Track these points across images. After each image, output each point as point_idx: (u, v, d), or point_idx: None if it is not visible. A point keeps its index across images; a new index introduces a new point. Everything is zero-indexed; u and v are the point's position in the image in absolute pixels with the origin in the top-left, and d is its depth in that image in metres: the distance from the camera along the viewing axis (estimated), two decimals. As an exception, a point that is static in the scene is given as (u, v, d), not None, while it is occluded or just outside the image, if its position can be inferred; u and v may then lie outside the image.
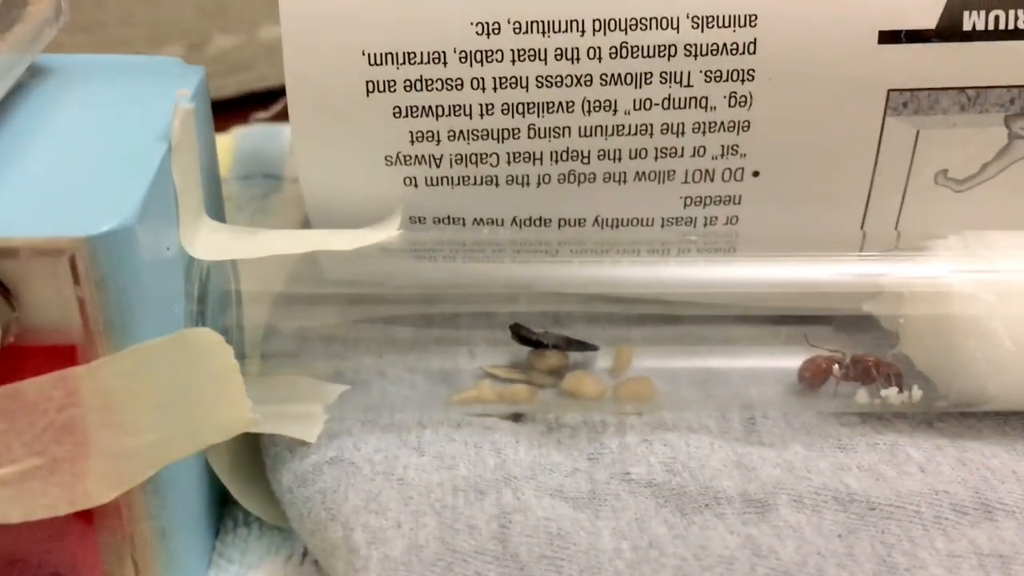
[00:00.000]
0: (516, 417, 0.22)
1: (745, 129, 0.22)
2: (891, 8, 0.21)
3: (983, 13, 0.21)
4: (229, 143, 0.34)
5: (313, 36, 0.21)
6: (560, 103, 0.21)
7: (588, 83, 0.21)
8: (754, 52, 0.21)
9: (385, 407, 0.22)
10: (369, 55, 0.21)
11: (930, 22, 0.21)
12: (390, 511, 0.18)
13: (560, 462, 0.20)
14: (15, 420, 0.16)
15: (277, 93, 0.41)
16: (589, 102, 0.21)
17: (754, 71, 0.21)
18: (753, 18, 0.21)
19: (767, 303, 0.23)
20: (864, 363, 0.22)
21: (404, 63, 0.21)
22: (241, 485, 0.22)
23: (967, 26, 0.21)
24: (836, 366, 0.22)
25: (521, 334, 0.23)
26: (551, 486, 0.19)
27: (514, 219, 0.23)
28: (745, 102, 0.21)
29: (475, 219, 0.23)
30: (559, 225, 0.23)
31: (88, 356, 0.16)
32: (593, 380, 0.22)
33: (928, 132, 0.22)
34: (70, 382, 0.16)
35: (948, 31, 0.21)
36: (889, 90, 0.21)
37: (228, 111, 0.36)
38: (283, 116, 0.37)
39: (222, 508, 0.22)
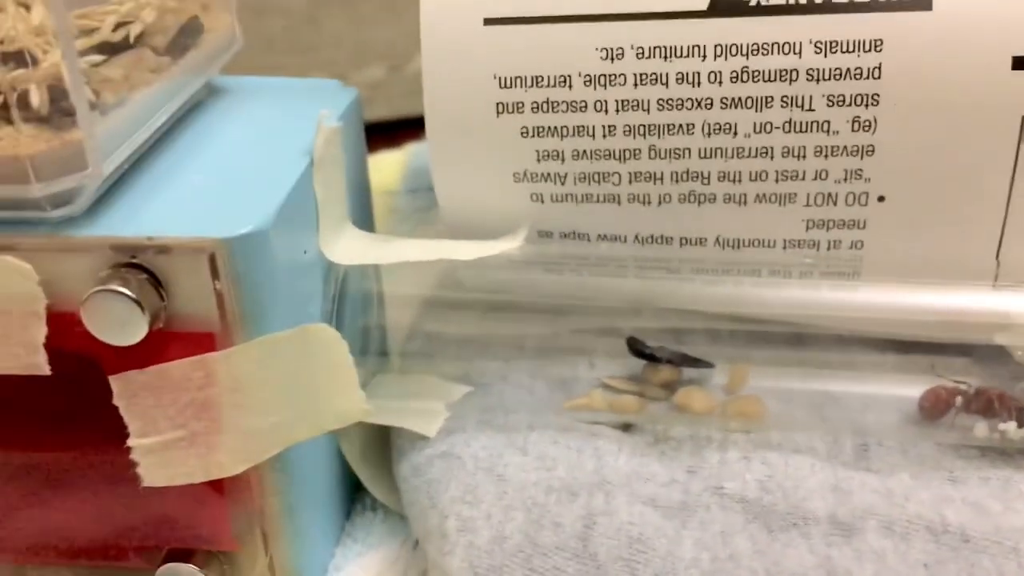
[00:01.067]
0: (626, 427, 0.23)
1: (869, 154, 0.22)
2: (1027, 33, 0.20)
3: None
4: (402, 158, 0.37)
5: (449, 61, 0.22)
6: (681, 125, 0.22)
7: (709, 106, 0.22)
8: (879, 77, 0.21)
9: (501, 409, 0.23)
10: (500, 78, 0.22)
11: (1070, 47, 0.20)
12: (483, 503, 0.19)
13: (658, 472, 0.21)
14: (161, 396, 0.18)
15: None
16: (709, 125, 0.22)
17: (879, 96, 0.21)
18: (879, 43, 0.21)
19: (892, 329, 0.23)
20: (987, 395, 0.21)
21: (532, 86, 0.22)
22: (370, 473, 0.23)
23: (1112, 51, 0.20)
24: (959, 397, 0.22)
25: (637, 347, 0.23)
26: (644, 494, 0.20)
27: (636, 236, 0.24)
28: (869, 127, 0.21)
29: (599, 235, 0.24)
30: (680, 244, 0.24)
31: (224, 344, 0.18)
32: (704, 395, 0.23)
33: (1067, 160, 0.21)
34: (208, 365, 0.18)
35: (1090, 56, 0.20)
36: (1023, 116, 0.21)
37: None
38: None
39: (355, 493, 0.24)
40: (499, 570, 0.18)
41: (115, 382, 0.18)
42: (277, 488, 0.20)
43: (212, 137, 0.22)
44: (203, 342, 0.18)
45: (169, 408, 0.18)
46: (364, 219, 0.25)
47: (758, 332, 0.24)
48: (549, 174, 0.23)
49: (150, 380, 0.18)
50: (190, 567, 0.20)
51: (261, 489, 0.20)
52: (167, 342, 0.18)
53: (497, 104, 0.22)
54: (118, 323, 0.17)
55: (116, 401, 0.18)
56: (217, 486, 0.19)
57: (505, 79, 0.22)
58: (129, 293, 0.17)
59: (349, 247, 0.22)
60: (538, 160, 0.23)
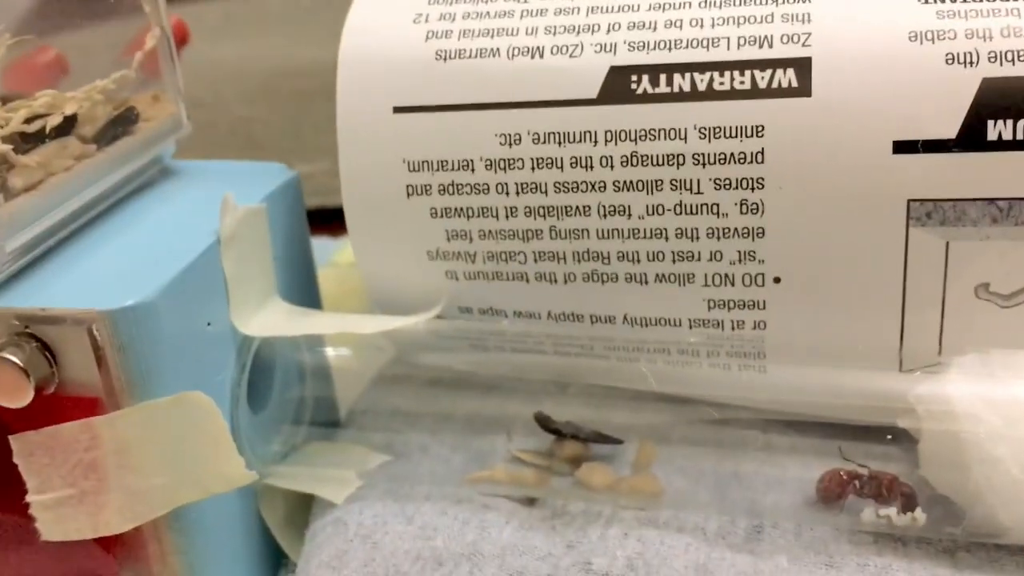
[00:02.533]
0: (531, 501, 0.23)
1: (760, 236, 0.22)
2: (907, 118, 0.21)
3: (1010, 123, 0.20)
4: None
5: (363, 145, 0.24)
6: (578, 207, 0.23)
7: (603, 189, 0.22)
8: (762, 161, 0.21)
9: (409, 479, 0.24)
10: (408, 162, 0.23)
11: (950, 132, 0.20)
12: (347, 568, 0.20)
13: (538, 546, 0.21)
14: (54, 456, 0.20)
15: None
16: (604, 207, 0.23)
17: (763, 179, 0.21)
18: (760, 129, 0.21)
19: (799, 410, 0.23)
20: (879, 480, 0.21)
21: (438, 169, 0.23)
22: (292, 538, 0.24)
23: (992, 135, 0.20)
24: (856, 481, 0.21)
25: (544, 422, 0.24)
26: (514, 567, 0.20)
27: (549, 313, 0.24)
28: (757, 209, 0.22)
29: (514, 311, 0.25)
30: (591, 321, 0.24)
31: (109, 408, 0.20)
32: (604, 472, 0.23)
33: (958, 244, 0.21)
34: (93, 428, 0.20)
35: (970, 141, 0.20)
36: (909, 200, 0.21)
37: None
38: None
39: (282, 557, 0.25)
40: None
41: (14, 441, 0.20)
42: (177, 548, 0.21)
43: (140, 217, 0.23)
44: (89, 407, 0.20)
45: (61, 467, 0.20)
46: (306, 294, 0.26)
47: (672, 409, 0.24)
48: (460, 252, 0.24)
49: (43, 440, 0.20)
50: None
51: (159, 548, 0.21)
52: (58, 406, 0.20)
53: (407, 186, 0.24)
54: (9, 387, 0.19)
55: (15, 459, 0.20)
56: (108, 543, 0.21)
57: (413, 163, 0.23)
58: (16, 360, 0.19)
59: (265, 320, 0.23)
60: (448, 239, 0.24)
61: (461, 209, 0.23)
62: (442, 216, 0.24)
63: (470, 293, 0.25)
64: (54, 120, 0.21)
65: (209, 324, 0.22)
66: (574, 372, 0.24)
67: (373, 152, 0.24)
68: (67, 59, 0.24)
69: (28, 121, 0.21)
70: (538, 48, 0.23)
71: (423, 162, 0.23)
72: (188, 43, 0.34)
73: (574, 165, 0.22)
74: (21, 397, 0.19)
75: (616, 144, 0.22)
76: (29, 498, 0.20)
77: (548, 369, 0.25)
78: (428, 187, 0.23)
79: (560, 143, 0.22)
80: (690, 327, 0.23)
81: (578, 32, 0.23)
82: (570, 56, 0.22)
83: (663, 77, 0.22)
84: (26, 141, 0.21)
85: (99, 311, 0.19)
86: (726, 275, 0.23)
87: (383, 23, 0.24)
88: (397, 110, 0.23)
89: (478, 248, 0.24)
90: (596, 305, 0.24)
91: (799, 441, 0.23)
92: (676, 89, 0.22)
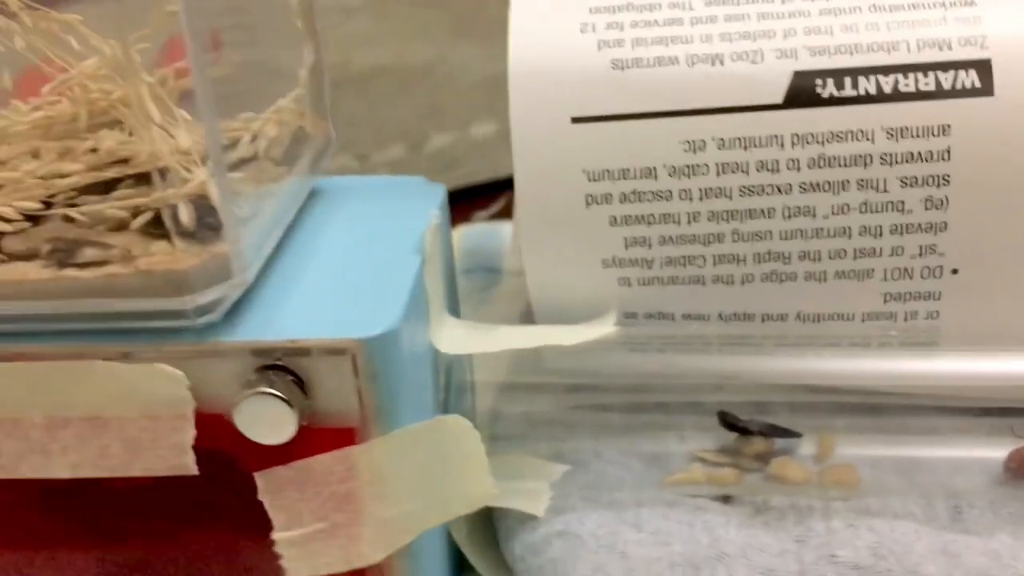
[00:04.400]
0: (725, 499, 0.24)
1: (942, 230, 0.23)
2: (1086, 112, 0.22)
3: None
4: (455, 240, 0.38)
5: (540, 157, 0.24)
6: (762, 210, 0.23)
7: (788, 191, 0.23)
8: (948, 159, 0.22)
9: (603, 486, 0.24)
10: (588, 172, 0.23)
11: None
12: (616, 580, 0.20)
13: (769, 543, 0.21)
14: (305, 490, 0.19)
15: (486, 187, 0.45)
16: (789, 208, 0.23)
17: (949, 176, 0.22)
18: (946, 128, 0.22)
19: (969, 395, 0.24)
20: (1067, 453, 0.22)
21: (619, 178, 0.23)
22: (477, 552, 0.24)
23: None
24: (1043, 456, 0.23)
25: (728, 421, 0.24)
26: (762, 565, 0.21)
27: (720, 314, 0.25)
28: (941, 205, 0.23)
29: (683, 315, 0.25)
30: (762, 320, 0.25)
31: (364, 437, 0.19)
32: (798, 466, 0.24)
33: None
34: (350, 459, 0.19)
35: None
36: (1087, 189, 0.22)
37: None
38: (501, 214, 0.41)
39: (461, 573, 0.25)
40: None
41: (260, 478, 0.19)
42: (405, 573, 0.21)
43: (322, 238, 0.23)
44: (344, 437, 0.19)
45: (312, 502, 0.19)
46: (454, 308, 0.26)
47: (839, 402, 0.25)
48: (637, 259, 0.24)
49: (294, 475, 0.19)
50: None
51: (396, 570, 0.21)
52: (310, 438, 0.19)
53: (586, 196, 0.24)
54: (270, 424, 0.18)
55: (261, 496, 0.19)
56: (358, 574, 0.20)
57: (593, 172, 0.23)
58: (281, 395, 0.18)
59: (453, 337, 0.23)
60: (626, 247, 0.24)
61: (642, 216, 0.24)
62: (621, 224, 0.24)
63: (640, 299, 0.25)
64: (263, 143, 0.21)
65: (421, 346, 0.21)
66: (741, 370, 0.25)
67: (551, 163, 0.24)
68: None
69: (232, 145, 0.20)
70: (717, 55, 0.23)
71: (603, 171, 0.23)
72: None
73: (760, 169, 0.23)
74: (285, 433, 0.18)
75: (803, 147, 0.23)
76: (275, 535, 0.20)
77: (712, 369, 0.25)
78: (608, 196, 0.24)
79: (746, 147, 0.23)
80: (863, 320, 0.24)
81: (755, 38, 0.23)
82: (751, 62, 0.23)
83: (848, 80, 0.23)
84: (235, 167, 0.20)
85: (355, 340, 0.19)
86: (905, 269, 0.24)
87: (551, 34, 0.24)
88: (575, 120, 0.23)
89: (656, 254, 0.24)
90: (770, 304, 0.24)
91: (968, 423, 0.24)
92: (862, 92, 0.23)
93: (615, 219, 0.24)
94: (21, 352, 0.19)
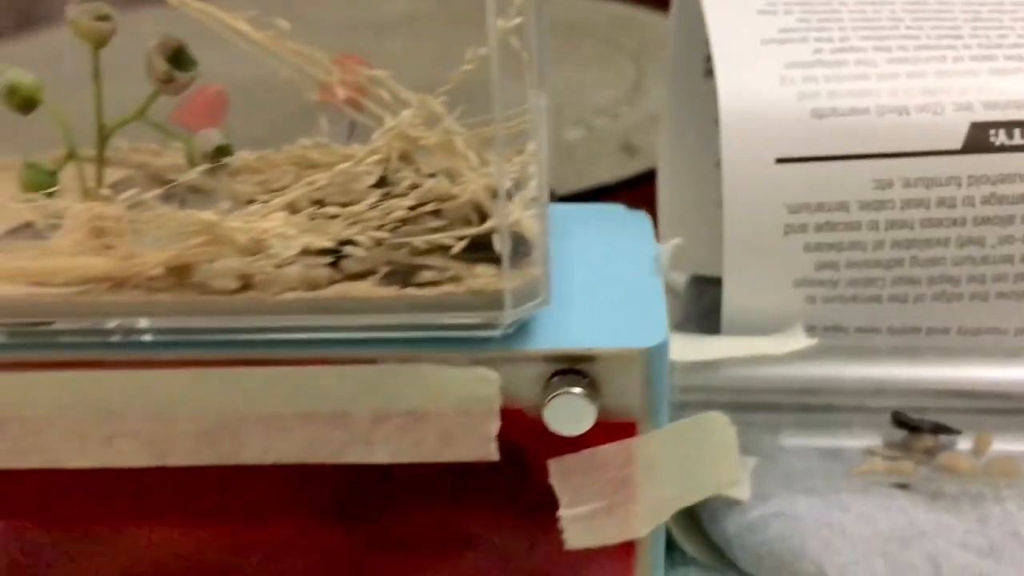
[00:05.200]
0: (901, 487, 0.28)
1: (1091, 259, 0.27)
2: None
3: None
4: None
5: (747, 192, 0.27)
6: (939, 239, 0.27)
7: (963, 224, 0.27)
8: (1102, 198, 0.26)
9: (795, 477, 0.28)
10: (788, 205, 0.27)
11: None
12: (845, 552, 0.24)
13: (954, 524, 0.25)
14: (589, 475, 0.23)
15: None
16: (962, 239, 0.27)
17: (1102, 213, 0.26)
18: (1103, 172, 0.26)
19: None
20: None
21: (816, 211, 0.27)
22: (681, 530, 0.28)
23: None
24: None
25: (901, 419, 0.28)
26: (957, 540, 0.25)
27: (888, 328, 0.29)
28: (1093, 237, 0.27)
29: (857, 328, 0.29)
30: (927, 333, 0.29)
31: (642, 430, 0.23)
32: (964, 458, 0.27)
33: None
34: (630, 449, 0.23)
35: None
36: None
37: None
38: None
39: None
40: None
41: (553, 464, 0.23)
42: (651, 544, 0.25)
43: (569, 260, 0.26)
44: (625, 430, 0.23)
45: (595, 484, 0.23)
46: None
47: (987, 407, 0.29)
48: (824, 280, 0.28)
49: (582, 462, 0.23)
50: (584, 616, 0.24)
51: (641, 546, 0.24)
52: (594, 431, 0.23)
53: (785, 225, 0.27)
54: (574, 418, 0.22)
55: (551, 480, 0.23)
56: (626, 546, 0.24)
57: (793, 205, 0.27)
58: (586, 395, 0.22)
59: (677, 346, 0.27)
60: (816, 269, 0.28)
61: (833, 244, 0.28)
62: (815, 250, 0.28)
63: (822, 314, 0.29)
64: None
65: (664, 353, 0.25)
66: (902, 377, 0.29)
67: (756, 197, 0.27)
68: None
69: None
70: (904, 107, 0.27)
71: (802, 204, 0.27)
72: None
73: (939, 204, 0.27)
74: (584, 426, 0.22)
75: (977, 187, 0.27)
76: (561, 512, 0.23)
77: (877, 376, 0.29)
78: (805, 225, 0.27)
79: (927, 186, 0.27)
80: (1015, 335, 0.28)
81: (934, 94, 0.27)
82: (933, 114, 0.27)
83: (1017, 131, 0.27)
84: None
85: (640, 349, 0.22)
86: (1057, 291, 0.28)
87: (754, 86, 0.28)
88: (779, 161, 0.27)
89: (842, 276, 0.28)
90: (935, 320, 0.28)
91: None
92: (1029, 141, 0.26)
93: (809, 245, 0.28)
94: (352, 356, 0.22)
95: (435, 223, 0.23)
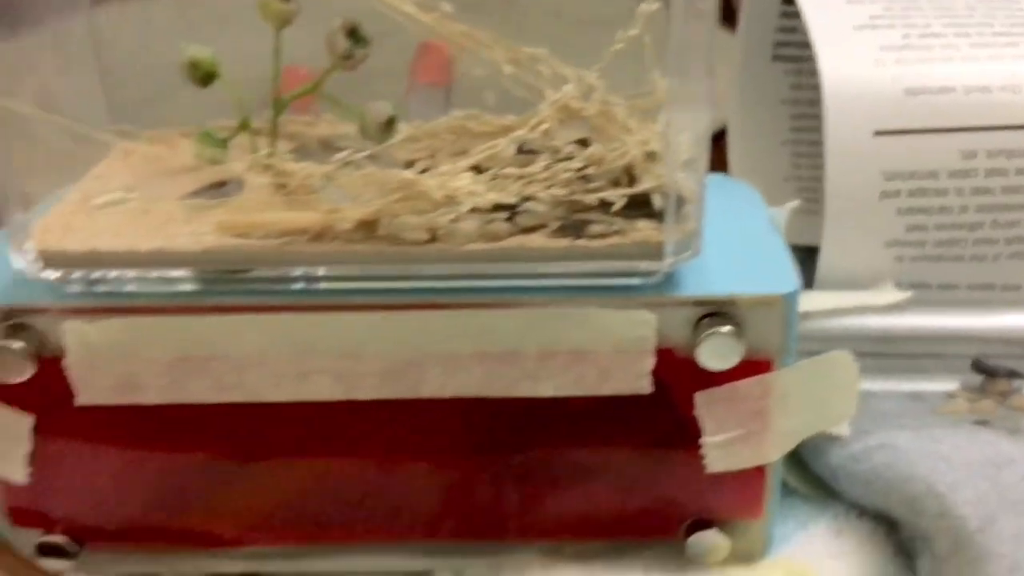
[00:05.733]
0: (981, 424, 0.31)
1: None
2: None
3: None
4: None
5: (848, 160, 0.31)
6: (1017, 204, 0.31)
7: (1039, 190, 0.30)
8: None
9: (888, 416, 0.31)
10: (884, 173, 0.31)
11: None
12: (949, 473, 0.27)
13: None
14: (731, 406, 0.26)
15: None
16: (1038, 203, 0.31)
17: None
18: None
19: None
20: None
21: (908, 179, 0.31)
22: (785, 465, 0.31)
23: None
24: None
25: (980, 365, 0.32)
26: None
27: (967, 284, 0.32)
28: None
29: (939, 284, 0.32)
30: (1000, 289, 0.32)
31: (777, 367, 0.26)
32: (1036, 399, 0.31)
33: None
34: (766, 383, 0.26)
35: None
36: None
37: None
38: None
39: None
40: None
41: (699, 396, 0.26)
42: (773, 471, 0.28)
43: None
44: (762, 367, 0.26)
45: (735, 415, 0.26)
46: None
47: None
48: (913, 241, 0.31)
49: (724, 394, 0.26)
50: (715, 533, 0.28)
51: (770, 470, 0.28)
52: (737, 368, 0.26)
53: (881, 191, 0.31)
54: (724, 355, 0.25)
55: (697, 411, 0.26)
56: (760, 470, 0.27)
57: (888, 173, 0.31)
58: (736, 335, 0.25)
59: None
60: (907, 231, 0.31)
61: (923, 208, 0.31)
62: (906, 214, 0.31)
63: (908, 272, 0.32)
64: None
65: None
66: (950, 327, 0.32)
67: (856, 166, 0.31)
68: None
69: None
70: (987, 87, 0.30)
71: (896, 172, 0.31)
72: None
73: (1018, 173, 0.30)
74: (732, 362, 0.25)
75: (1053, 157, 0.30)
76: (704, 439, 0.26)
77: (952, 326, 0.32)
78: (898, 192, 0.31)
79: (1008, 157, 0.30)
80: (1079, 290, 0.32)
81: (1014, 75, 0.30)
82: (1013, 92, 0.30)
83: (1089, 108, 0.30)
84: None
85: (779, 295, 0.25)
86: (1119, 251, 0.31)
87: (853, 68, 0.31)
88: (877, 134, 0.30)
89: (929, 237, 0.31)
90: (1010, 276, 0.32)
91: None
92: (1099, 117, 0.30)
93: (901, 209, 0.31)
94: (524, 301, 0.25)
95: (595, 184, 0.26)
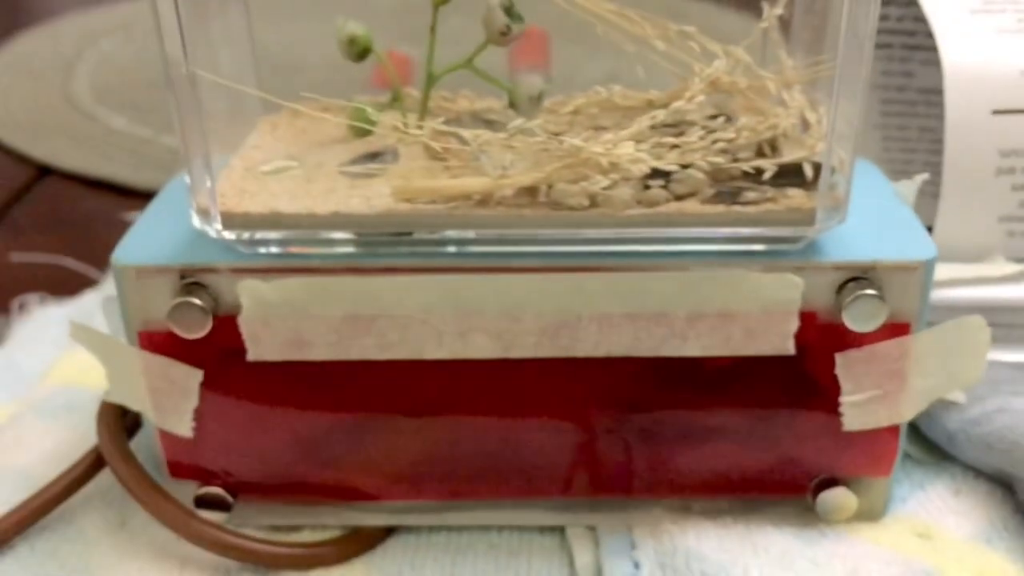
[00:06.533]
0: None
1: None
2: None
3: None
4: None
5: (966, 137, 0.32)
6: (1125, 181, 0.32)
7: None
8: None
9: (1000, 383, 0.32)
10: (1000, 150, 0.32)
11: None
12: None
13: None
14: (870, 367, 0.27)
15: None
16: None
17: None
18: None
19: None
20: None
21: (1023, 156, 0.32)
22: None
23: None
24: None
25: (1087, 337, 0.33)
26: None
27: (1070, 256, 0.34)
28: None
29: (1044, 256, 0.34)
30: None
31: (915, 330, 0.27)
32: None
33: None
34: (905, 345, 0.27)
35: None
36: None
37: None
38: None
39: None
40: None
41: (840, 357, 0.27)
42: (903, 430, 0.29)
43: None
44: (900, 329, 0.27)
45: (873, 375, 0.27)
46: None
47: None
48: (1024, 216, 0.33)
49: (864, 356, 0.27)
50: (845, 491, 0.29)
51: (902, 429, 0.29)
52: (877, 330, 0.27)
53: (997, 168, 0.32)
54: (869, 317, 0.26)
55: (838, 370, 0.27)
56: (892, 428, 0.28)
57: (1005, 150, 0.32)
58: (880, 296, 0.26)
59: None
60: (1020, 207, 0.33)
61: (1037, 184, 0.32)
62: (1020, 190, 0.32)
63: (1019, 247, 0.33)
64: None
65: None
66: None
67: (973, 143, 0.32)
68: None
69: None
70: (1101, 68, 0.32)
71: (1012, 150, 0.32)
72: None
73: None
74: (876, 323, 0.27)
75: None
76: (843, 399, 0.28)
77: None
78: (1013, 168, 0.32)
79: (1119, 136, 0.32)
80: None
81: None
82: None
83: None
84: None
85: (920, 261, 0.27)
86: None
87: (971, 52, 0.32)
88: (995, 112, 0.32)
89: (1041, 213, 0.33)
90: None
91: None
92: None
93: (1016, 185, 0.32)
94: (675, 264, 0.27)
95: (744, 154, 0.27)
